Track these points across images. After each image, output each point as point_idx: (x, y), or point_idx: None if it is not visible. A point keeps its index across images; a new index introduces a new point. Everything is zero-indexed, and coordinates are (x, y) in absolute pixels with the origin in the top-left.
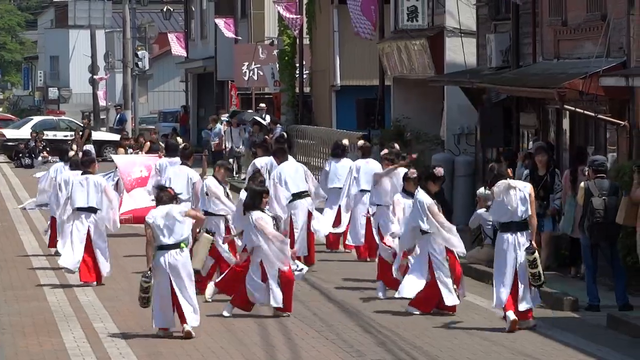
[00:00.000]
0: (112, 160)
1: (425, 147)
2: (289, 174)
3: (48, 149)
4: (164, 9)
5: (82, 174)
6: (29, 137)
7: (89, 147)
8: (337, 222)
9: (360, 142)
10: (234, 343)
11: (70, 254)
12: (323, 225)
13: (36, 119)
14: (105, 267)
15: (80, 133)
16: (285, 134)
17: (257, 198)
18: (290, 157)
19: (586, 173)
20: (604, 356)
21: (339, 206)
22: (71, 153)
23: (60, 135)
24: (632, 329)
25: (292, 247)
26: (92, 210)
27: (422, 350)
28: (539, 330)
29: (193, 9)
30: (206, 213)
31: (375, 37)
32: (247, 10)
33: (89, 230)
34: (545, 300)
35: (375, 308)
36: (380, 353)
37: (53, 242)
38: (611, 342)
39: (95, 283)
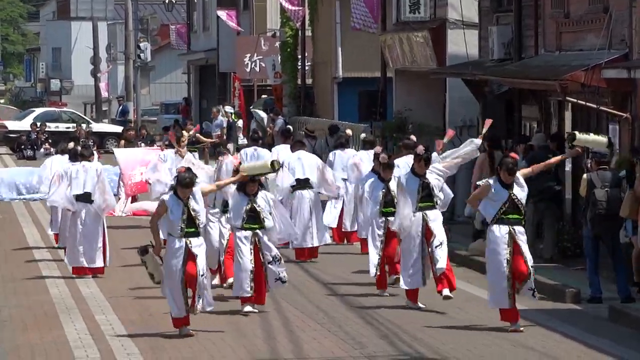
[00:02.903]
0: (113, 153)
1: (427, 139)
2: (301, 162)
3: (50, 140)
4: (166, 1)
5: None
6: (30, 128)
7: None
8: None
9: (363, 135)
10: (236, 335)
11: (75, 252)
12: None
13: (38, 110)
14: (94, 258)
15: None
16: (290, 127)
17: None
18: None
19: (589, 165)
20: (606, 348)
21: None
22: (70, 145)
23: (62, 127)
24: (633, 321)
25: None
26: (88, 198)
27: (424, 343)
28: (540, 322)
29: (195, 0)
30: None
31: (377, 30)
32: (249, 1)
33: (85, 222)
34: (547, 292)
35: (377, 301)
36: (382, 345)
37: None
38: (613, 335)
39: (90, 276)
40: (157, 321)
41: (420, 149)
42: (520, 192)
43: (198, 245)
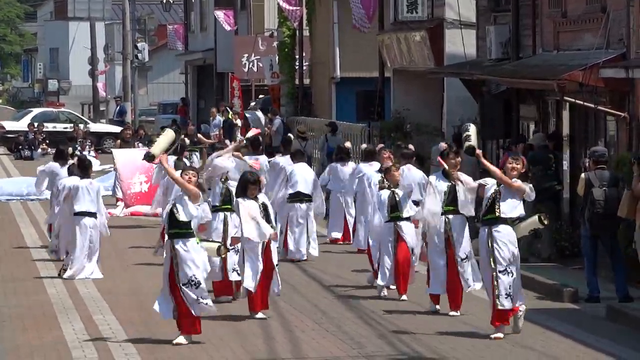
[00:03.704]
0: (112, 153)
1: (425, 138)
2: (302, 175)
3: (47, 141)
4: (164, 1)
5: (80, 178)
6: (27, 129)
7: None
8: (346, 230)
9: (364, 146)
10: (234, 334)
11: (80, 265)
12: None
13: (36, 111)
14: (94, 271)
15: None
16: (291, 136)
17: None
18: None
19: (587, 164)
20: (604, 347)
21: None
22: (70, 162)
23: (59, 127)
24: (631, 320)
25: (284, 246)
26: (93, 214)
27: (423, 342)
28: (538, 321)
29: (193, 0)
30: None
31: (369, 29)
32: (247, 1)
33: (92, 236)
34: (545, 292)
35: (375, 300)
36: (381, 345)
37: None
38: (611, 334)
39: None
40: (155, 321)
41: (443, 145)
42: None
43: (183, 249)
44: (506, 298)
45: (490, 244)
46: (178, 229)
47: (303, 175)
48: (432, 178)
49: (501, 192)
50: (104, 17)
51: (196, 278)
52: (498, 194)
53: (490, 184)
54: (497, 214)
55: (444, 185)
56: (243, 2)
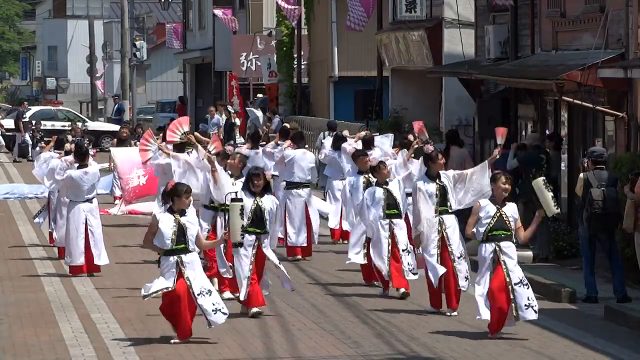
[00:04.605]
0: (109, 152)
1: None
2: (300, 164)
3: (45, 139)
4: (162, 0)
5: (78, 167)
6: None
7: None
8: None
9: (363, 133)
10: (231, 334)
11: (76, 250)
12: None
13: (34, 109)
14: (103, 257)
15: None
16: (287, 125)
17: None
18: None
19: (585, 164)
20: (601, 348)
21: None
22: (67, 146)
23: (58, 125)
24: (629, 320)
25: (285, 234)
26: (90, 200)
27: (420, 342)
28: (536, 321)
29: None
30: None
31: (364, 29)
32: (245, 0)
33: (86, 220)
34: (542, 292)
35: (372, 299)
36: (378, 344)
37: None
38: (608, 334)
39: (86, 274)
40: (153, 319)
41: (429, 148)
42: (511, 215)
43: (190, 261)
44: (527, 309)
45: (501, 259)
46: (185, 244)
47: (301, 164)
48: (420, 183)
49: (506, 213)
50: (103, 16)
51: (205, 288)
52: (504, 214)
53: (487, 203)
54: (504, 232)
55: (432, 188)
56: (242, 1)
